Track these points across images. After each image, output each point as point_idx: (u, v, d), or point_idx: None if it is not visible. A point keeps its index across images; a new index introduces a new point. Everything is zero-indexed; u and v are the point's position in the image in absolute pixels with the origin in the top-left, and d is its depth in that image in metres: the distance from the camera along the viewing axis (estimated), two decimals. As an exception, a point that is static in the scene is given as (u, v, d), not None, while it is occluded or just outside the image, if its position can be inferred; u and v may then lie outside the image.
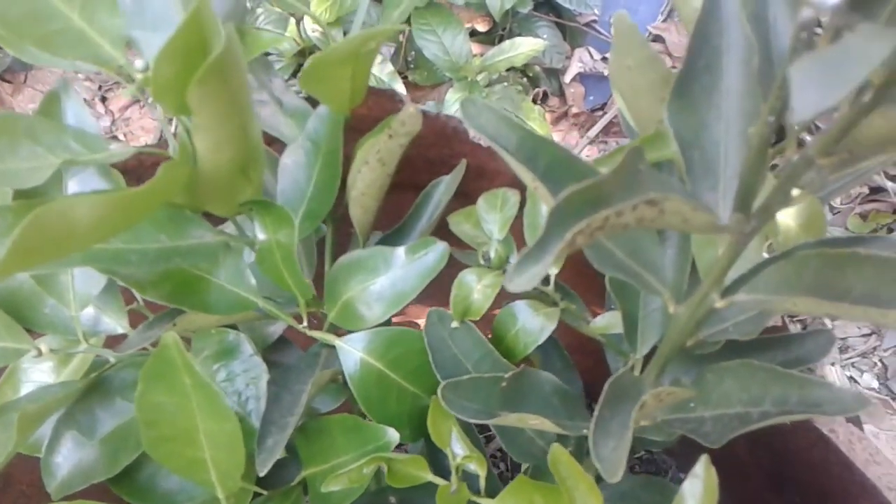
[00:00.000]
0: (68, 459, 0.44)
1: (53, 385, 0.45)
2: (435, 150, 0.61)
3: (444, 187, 0.52)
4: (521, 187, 0.56)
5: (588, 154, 1.49)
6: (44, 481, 0.44)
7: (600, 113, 1.52)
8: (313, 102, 0.47)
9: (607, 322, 0.46)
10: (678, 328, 0.35)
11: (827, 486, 0.46)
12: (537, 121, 1.37)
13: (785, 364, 0.40)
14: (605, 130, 1.50)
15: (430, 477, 0.42)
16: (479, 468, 0.43)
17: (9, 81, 1.51)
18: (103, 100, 1.55)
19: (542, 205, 0.45)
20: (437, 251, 0.42)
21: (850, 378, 1.20)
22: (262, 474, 0.40)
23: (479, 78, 1.31)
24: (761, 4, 0.27)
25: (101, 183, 0.44)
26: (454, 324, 0.43)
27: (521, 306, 0.45)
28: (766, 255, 0.38)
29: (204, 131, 0.31)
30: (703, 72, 0.31)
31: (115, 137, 1.51)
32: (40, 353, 0.46)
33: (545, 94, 1.50)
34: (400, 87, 1.35)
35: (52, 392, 0.44)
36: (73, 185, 0.44)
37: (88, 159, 0.38)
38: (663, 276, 0.35)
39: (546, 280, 0.46)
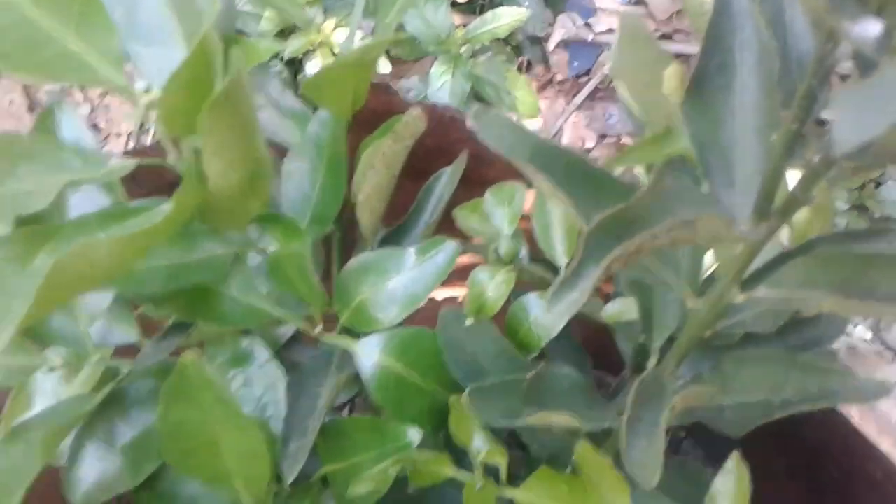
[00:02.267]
0: (91, 472, 0.45)
1: (69, 400, 0.45)
2: (432, 138, 0.61)
3: (447, 179, 0.52)
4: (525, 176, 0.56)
5: (575, 121, 1.49)
6: (66, 496, 0.45)
7: (585, 79, 1.51)
8: (310, 102, 0.46)
9: (619, 309, 0.46)
10: (696, 322, 0.35)
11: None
12: (524, 90, 1.36)
13: (799, 347, 0.41)
14: (591, 96, 1.49)
15: (453, 472, 0.43)
16: (500, 461, 0.43)
17: (-17, 73, 1.47)
18: (81, 87, 1.52)
19: (552, 204, 0.45)
20: (448, 251, 0.42)
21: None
22: (289, 480, 0.40)
23: (462, 51, 1.29)
24: (777, 7, 0.27)
25: (103, 198, 0.43)
26: (468, 321, 0.43)
27: (532, 299, 0.45)
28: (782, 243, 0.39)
29: (215, 156, 0.31)
30: (717, 72, 0.31)
31: (95, 126, 1.49)
32: (54, 368, 0.46)
33: (529, 63, 1.49)
34: (384, 64, 1.34)
35: (70, 407, 0.44)
36: (75, 201, 0.44)
37: (89, 177, 0.37)
38: (679, 271, 0.35)
39: (556, 269, 0.47)
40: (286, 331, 0.51)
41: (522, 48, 1.47)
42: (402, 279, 0.42)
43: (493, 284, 0.43)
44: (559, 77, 1.49)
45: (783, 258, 0.32)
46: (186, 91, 0.28)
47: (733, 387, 0.37)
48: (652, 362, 0.40)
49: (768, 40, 0.28)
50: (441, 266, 0.42)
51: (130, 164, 0.38)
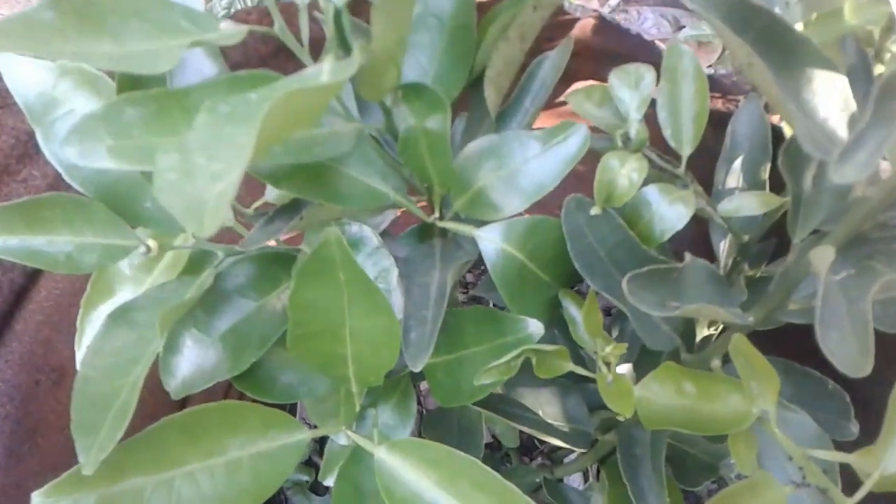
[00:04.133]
0: (189, 359, 0.43)
1: (169, 283, 0.43)
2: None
3: (550, 65, 0.49)
4: (614, 64, 0.53)
5: (609, 25, 1.43)
6: (162, 381, 0.43)
7: (621, -21, 1.45)
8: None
9: (736, 205, 0.45)
10: (863, 211, 0.34)
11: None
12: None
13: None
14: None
15: (572, 366, 0.42)
16: (615, 357, 0.42)
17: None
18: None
19: (683, 87, 0.42)
20: (579, 135, 0.40)
21: None
22: (416, 370, 0.39)
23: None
24: None
25: (210, 65, 0.40)
26: (594, 210, 0.41)
27: (652, 192, 0.43)
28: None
29: (387, 8, 0.28)
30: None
31: None
32: (149, 250, 0.44)
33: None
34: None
35: (174, 291, 0.42)
36: (176, 69, 0.40)
37: (202, 39, 0.34)
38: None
39: (676, 163, 0.44)
40: (381, 220, 0.49)
41: (557, -56, 1.40)
42: (527, 166, 0.40)
43: (625, 172, 0.40)
44: (594, -24, 1.43)
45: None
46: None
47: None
48: (792, 257, 0.39)
49: None
50: (572, 153, 0.39)
51: (243, 29, 0.35)
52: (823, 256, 0.31)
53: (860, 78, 0.34)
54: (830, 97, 0.30)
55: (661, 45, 0.57)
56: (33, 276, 0.60)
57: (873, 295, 0.30)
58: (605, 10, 1.40)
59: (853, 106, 0.31)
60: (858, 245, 0.37)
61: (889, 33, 0.34)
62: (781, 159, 0.36)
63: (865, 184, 0.33)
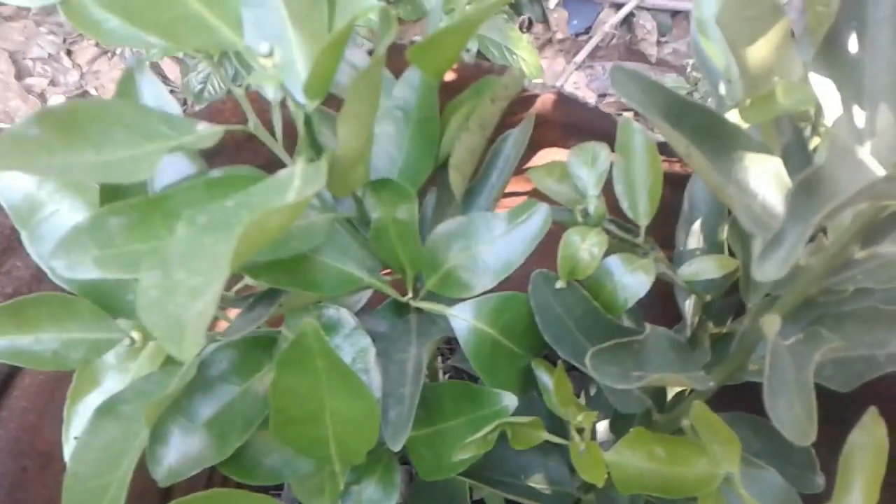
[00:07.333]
0: (175, 447, 0.44)
1: (153, 374, 0.44)
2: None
3: (513, 143, 0.51)
4: (581, 133, 0.55)
5: (575, 82, 1.48)
6: (150, 469, 0.44)
7: (585, 37, 1.50)
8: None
9: (696, 269, 0.47)
10: (808, 279, 0.36)
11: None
12: (527, 49, 1.35)
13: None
14: (592, 55, 1.48)
15: (547, 436, 0.43)
16: (587, 424, 0.44)
17: (-34, 39, 1.42)
18: (69, 53, 1.47)
19: (636, 162, 0.44)
20: (540, 214, 0.42)
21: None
22: (395, 449, 0.40)
23: (467, 9, 1.27)
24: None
25: (189, 166, 0.42)
26: (559, 284, 0.43)
27: (614, 262, 0.46)
28: None
29: (353, 118, 0.30)
30: (848, 28, 0.31)
31: (85, 92, 1.45)
32: (133, 342, 0.45)
33: (529, 22, 1.48)
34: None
35: (158, 382, 0.43)
36: (158, 169, 0.42)
37: (180, 144, 0.37)
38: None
39: (636, 230, 0.47)
40: (359, 300, 0.51)
41: (522, 6, 1.45)
42: (494, 245, 0.42)
43: (586, 246, 0.43)
44: (559, 36, 1.48)
45: (909, 213, 0.32)
46: (335, 57, 0.27)
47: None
48: (748, 321, 0.41)
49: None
50: (535, 231, 0.42)
51: (219, 130, 0.37)
52: (771, 324, 0.33)
53: (796, 154, 0.37)
54: (765, 178, 0.33)
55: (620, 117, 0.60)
56: (17, 363, 0.61)
57: (820, 359, 0.32)
58: (571, 67, 1.44)
59: (788, 182, 0.34)
60: (807, 309, 0.39)
61: (822, 110, 0.36)
62: (728, 232, 0.38)
63: (808, 253, 0.36)
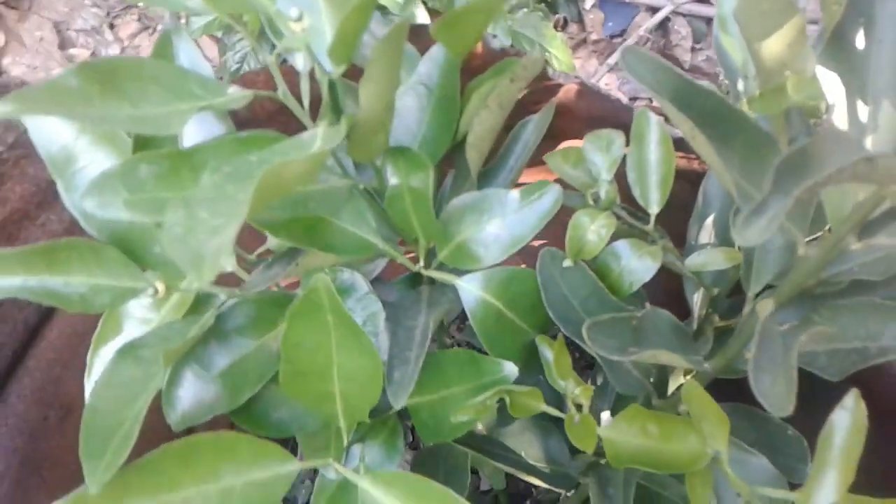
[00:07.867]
0: (190, 393, 0.46)
1: (176, 322, 0.46)
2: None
3: (533, 128, 0.53)
4: (604, 125, 0.57)
5: (607, 83, 1.49)
6: (164, 413, 0.46)
7: (619, 40, 1.51)
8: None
9: (704, 260, 0.48)
10: (805, 269, 0.37)
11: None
12: (560, 48, 1.36)
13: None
14: (625, 58, 1.49)
15: (545, 407, 0.44)
16: (584, 398, 0.45)
17: (14, 8, 1.46)
18: (111, 26, 1.51)
19: (650, 152, 0.46)
20: (552, 194, 0.43)
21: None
22: (397, 407, 0.42)
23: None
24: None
25: (218, 126, 0.45)
26: (566, 263, 0.45)
27: (622, 246, 0.47)
28: None
29: (374, 82, 0.32)
30: (856, 23, 0.32)
31: (126, 65, 1.48)
32: (157, 292, 0.47)
33: (565, 21, 1.49)
34: (422, 14, 1.33)
35: (178, 330, 0.45)
36: (189, 128, 0.45)
37: (211, 104, 0.38)
38: (792, 218, 0.36)
39: (646, 219, 0.48)
40: (374, 268, 0.53)
41: (558, 6, 1.47)
42: (506, 221, 0.44)
43: (594, 228, 0.44)
44: (594, 36, 1.49)
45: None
46: (362, 20, 0.29)
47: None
48: (747, 309, 0.42)
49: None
50: (546, 209, 0.43)
51: (248, 94, 0.39)
52: (764, 307, 0.35)
53: (803, 147, 0.38)
54: (767, 166, 0.34)
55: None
56: (46, 315, 0.63)
57: (807, 343, 0.33)
58: (603, 69, 1.45)
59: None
60: (804, 300, 0.40)
61: (832, 107, 0.37)
62: (731, 221, 0.39)
63: (806, 245, 0.37)
